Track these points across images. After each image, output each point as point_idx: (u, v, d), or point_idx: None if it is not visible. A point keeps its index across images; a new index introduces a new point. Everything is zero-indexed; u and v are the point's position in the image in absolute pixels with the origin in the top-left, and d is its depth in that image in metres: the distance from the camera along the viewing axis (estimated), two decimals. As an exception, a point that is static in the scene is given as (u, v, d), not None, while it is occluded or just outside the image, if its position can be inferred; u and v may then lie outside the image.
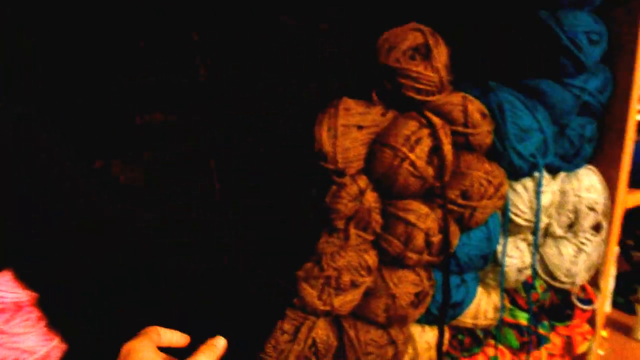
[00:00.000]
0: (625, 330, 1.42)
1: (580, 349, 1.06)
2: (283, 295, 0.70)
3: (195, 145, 0.62)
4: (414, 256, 0.75)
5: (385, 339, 0.77)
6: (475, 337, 0.97)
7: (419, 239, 0.74)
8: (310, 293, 0.70)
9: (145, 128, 0.58)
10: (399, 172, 0.71)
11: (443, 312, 0.79)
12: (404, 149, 0.70)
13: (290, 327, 0.70)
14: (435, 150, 0.72)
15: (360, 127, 0.71)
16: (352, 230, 0.72)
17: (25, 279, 0.53)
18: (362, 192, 0.71)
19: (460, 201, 0.76)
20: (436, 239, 0.75)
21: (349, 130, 0.70)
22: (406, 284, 0.76)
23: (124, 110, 0.57)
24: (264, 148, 0.69)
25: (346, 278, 0.71)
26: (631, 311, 1.45)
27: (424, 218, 0.74)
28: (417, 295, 0.77)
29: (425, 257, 0.76)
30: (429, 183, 0.73)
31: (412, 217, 0.74)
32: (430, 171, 0.72)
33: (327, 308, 0.70)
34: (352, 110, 0.71)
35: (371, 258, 0.73)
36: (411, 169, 0.71)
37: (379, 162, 0.72)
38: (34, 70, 0.51)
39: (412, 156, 0.70)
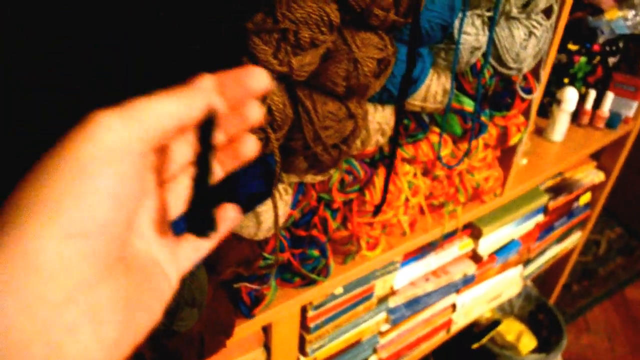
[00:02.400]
0: (539, 132, 1.48)
1: (513, 140, 1.07)
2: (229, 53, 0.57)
3: None
4: (380, 13, 0.64)
5: (343, 112, 0.68)
6: (421, 122, 0.92)
7: (388, -8, 0.62)
8: (263, 50, 0.57)
9: None
10: None
11: (406, 85, 0.72)
12: None
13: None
14: None
15: None
16: (314, -27, 0.58)
17: None
18: None
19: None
20: (406, -6, 0.64)
21: None
22: (370, 48, 0.66)
23: None
24: None
25: (305, 34, 0.59)
26: (544, 114, 1.51)
27: (395, -36, 0.62)
28: (380, 62, 0.68)
29: (392, 16, 0.65)
30: None
31: (382, -38, 0.61)
32: None
33: (285, 69, 0.59)
34: None
35: (333, 12, 0.61)
36: None
37: None
38: None
39: None
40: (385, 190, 0.85)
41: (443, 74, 0.87)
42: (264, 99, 0.59)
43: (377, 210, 0.88)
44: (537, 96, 1.02)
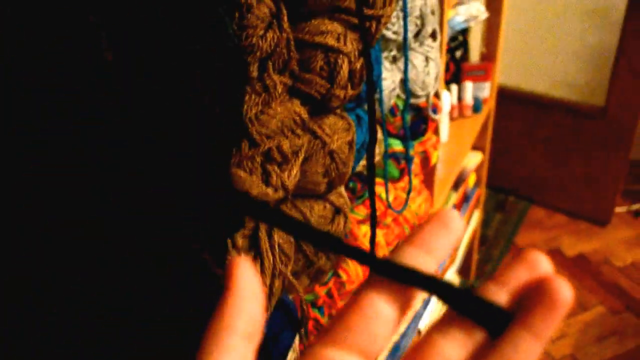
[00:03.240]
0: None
1: (433, 160, 1.07)
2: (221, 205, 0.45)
3: None
4: (340, 93, 0.56)
5: (330, 210, 0.60)
6: (364, 180, 0.87)
7: (345, 68, 0.55)
8: (251, 181, 0.47)
9: None
10: (314, -25, 0.49)
11: (371, 153, 0.65)
12: (316, -63, 0.47)
13: (243, 240, 0.46)
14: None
15: None
16: (275, 76, 0.49)
17: None
18: (276, 15, 0.47)
19: (365, 11, 0.59)
20: (358, 64, 0.57)
21: None
22: (339, 133, 0.58)
23: None
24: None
25: (286, 145, 0.49)
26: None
27: (343, 39, 0.55)
28: (350, 143, 0.60)
29: (350, 91, 0.58)
30: (340, -11, 0.54)
31: (331, 40, 0.54)
32: (342, -31, 0.52)
33: (281, 194, 0.48)
34: None
35: (301, 109, 0.52)
36: (328, -34, 0.49)
37: (284, -35, 0.48)
38: None
39: (328, -54, 0.48)
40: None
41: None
42: (269, 238, 0.48)
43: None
44: (446, 111, 1.04)
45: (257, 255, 0.46)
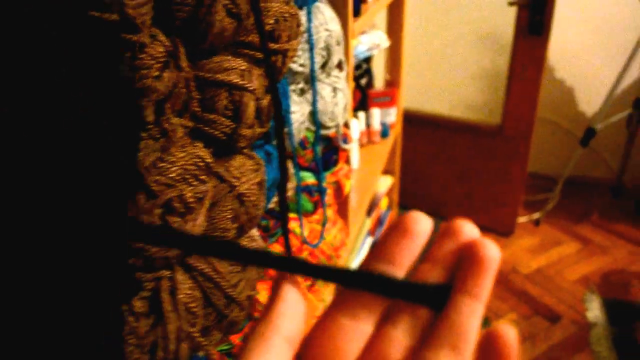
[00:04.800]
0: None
1: (346, 189, 1.06)
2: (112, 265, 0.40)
3: None
4: (248, 133, 0.53)
5: (242, 256, 0.56)
6: (276, 216, 0.83)
7: (251, 106, 0.52)
8: (150, 236, 0.42)
9: None
10: (214, 11, 0.45)
11: (283, 190, 0.62)
12: (213, -29, 0.44)
13: (142, 303, 0.41)
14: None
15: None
16: (174, 119, 0.45)
17: None
18: (172, 54, 0.43)
19: (270, 45, 0.57)
20: (265, 101, 0.55)
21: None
22: (248, 174, 0.55)
23: None
24: None
25: (189, 193, 0.45)
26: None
27: (248, 76, 0.52)
28: (260, 184, 0.57)
29: (257, 130, 0.55)
30: (242, 25, 0.51)
31: (235, 78, 0.51)
32: (244, 5, 0.49)
33: (184, 246, 0.44)
34: None
35: (204, 152, 0.48)
36: (228, 3, 0.46)
37: (180, 1, 0.44)
38: None
39: (226, -20, 0.45)
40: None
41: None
42: (172, 296, 0.44)
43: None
44: (356, 139, 1.04)
45: (158, 319, 0.41)
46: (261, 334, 0.23)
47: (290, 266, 0.25)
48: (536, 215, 2.41)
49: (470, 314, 0.23)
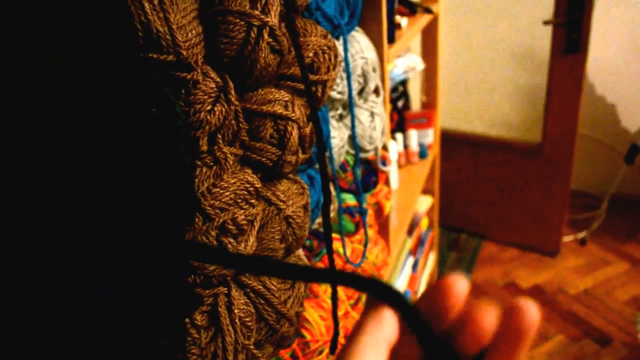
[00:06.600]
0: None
1: (386, 210, 1.08)
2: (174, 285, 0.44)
3: None
4: (292, 159, 0.57)
5: (289, 275, 0.59)
6: (321, 236, 0.87)
7: (295, 134, 0.56)
8: (207, 256, 0.46)
9: None
10: (258, 49, 0.50)
11: (326, 212, 0.65)
12: (258, 14, 0.49)
13: (203, 317, 0.45)
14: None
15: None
16: (225, 148, 0.49)
17: None
18: (222, 89, 0.48)
19: (311, 77, 0.61)
20: (308, 129, 0.59)
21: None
22: (294, 197, 0.58)
23: None
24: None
25: (241, 216, 0.49)
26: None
27: (291, 106, 0.56)
28: (305, 206, 0.61)
29: (301, 156, 0.59)
30: (285, 60, 0.55)
31: (279, 109, 0.55)
32: (285, 41, 0.54)
33: (238, 265, 0.48)
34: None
35: (253, 177, 0.52)
36: (271, 40, 0.51)
37: (227, 40, 0.49)
38: None
39: (269, 21, 0.50)
40: (335, 319, 0.76)
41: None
42: (228, 310, 0.47)
43: (334, 343, 0.79)
44: (394, 162, 1.06)
45: (217, 331, 0.45)
46: (363, 332, 0.25)
47: (342, 279, 0.27)
48: (582, 235, 2.35)
49: None
